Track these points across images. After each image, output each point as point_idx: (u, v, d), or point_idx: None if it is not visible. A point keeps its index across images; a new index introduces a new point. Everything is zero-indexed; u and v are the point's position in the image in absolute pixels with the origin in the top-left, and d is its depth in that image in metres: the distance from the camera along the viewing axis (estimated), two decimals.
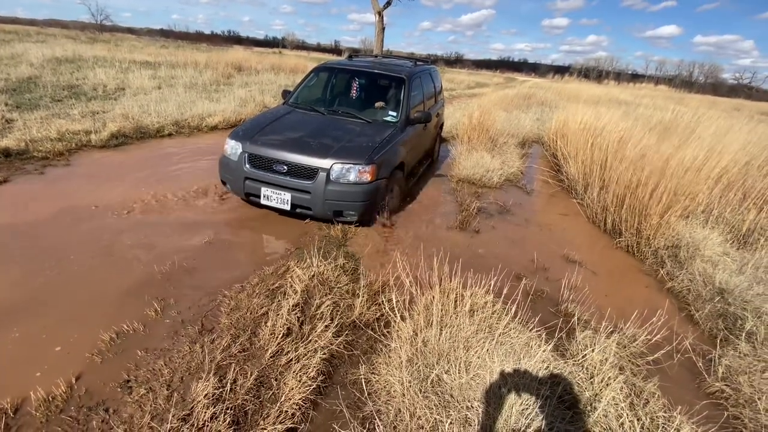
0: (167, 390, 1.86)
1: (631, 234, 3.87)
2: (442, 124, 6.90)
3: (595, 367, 2.05)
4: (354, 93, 5.08)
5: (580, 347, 2.28)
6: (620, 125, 6.20)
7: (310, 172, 3.38)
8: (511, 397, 1.79)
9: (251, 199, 3.63)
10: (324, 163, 3.36)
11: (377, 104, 4.82)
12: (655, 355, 2.36)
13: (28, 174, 4.29)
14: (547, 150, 7.93)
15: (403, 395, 1.85)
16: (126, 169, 4.73)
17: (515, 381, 1.87)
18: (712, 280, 3.11)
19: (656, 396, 2.06)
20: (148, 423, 1.69)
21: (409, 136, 4.33)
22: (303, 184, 3.38)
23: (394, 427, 1.76)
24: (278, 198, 3.44)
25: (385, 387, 1.97)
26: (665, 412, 1.95)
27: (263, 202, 3.50)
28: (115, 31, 44.54)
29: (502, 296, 2.53)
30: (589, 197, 4.71)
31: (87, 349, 2.10)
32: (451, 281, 2.58)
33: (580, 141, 5.96)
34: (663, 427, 1.85)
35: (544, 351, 2.02)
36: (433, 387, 1.88)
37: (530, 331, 2.29)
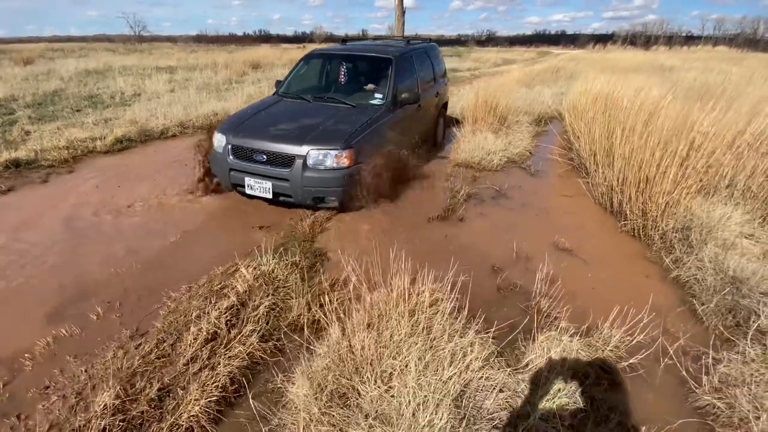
0: (75, 398, 1.82)
1: (635, 215, 3.39)
2: (446, 104, 6.63)
3: (540, 378, 1.76)
4: (342, 78, 5.00)
5: (535, 353, 1.97)
6: (643, 93, 5.49)
7: (288, 160, 3.42)
8: (426, 413, 1.56)
9: (238, 189, 3.70)
10: (300, 150, 3.38)
11: (368, 87, 4.68)
12: (632, 360, 2.01)
13: (31, 183, 4.52)
14: (564, 126, 7.27)
15: (309, 407, 1.67)
16: (120, 171, 4.87)
17: (434, 393, 1.63)
18: (724, 267, 2.61)
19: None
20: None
21: (399, 117, 4.28)
22: (281, 172, 3.42)
23: None
24: (260, 187, 3.51)
25: (297, 397, 1.80)
26: None
27: (247, 191, 3.59)
28: (156, 41, 46.88)
29: (455, 292, 2.25)
30: (596, 175, 4.21)
31: (21, 353, 2.11)
32: (402, 279, 2.36)
33: (597, 113, 5.35)
34: None
35: (476, 359, 1.75)
36: (342, 400, 1.69)
37: (476, 334, 2.01)
